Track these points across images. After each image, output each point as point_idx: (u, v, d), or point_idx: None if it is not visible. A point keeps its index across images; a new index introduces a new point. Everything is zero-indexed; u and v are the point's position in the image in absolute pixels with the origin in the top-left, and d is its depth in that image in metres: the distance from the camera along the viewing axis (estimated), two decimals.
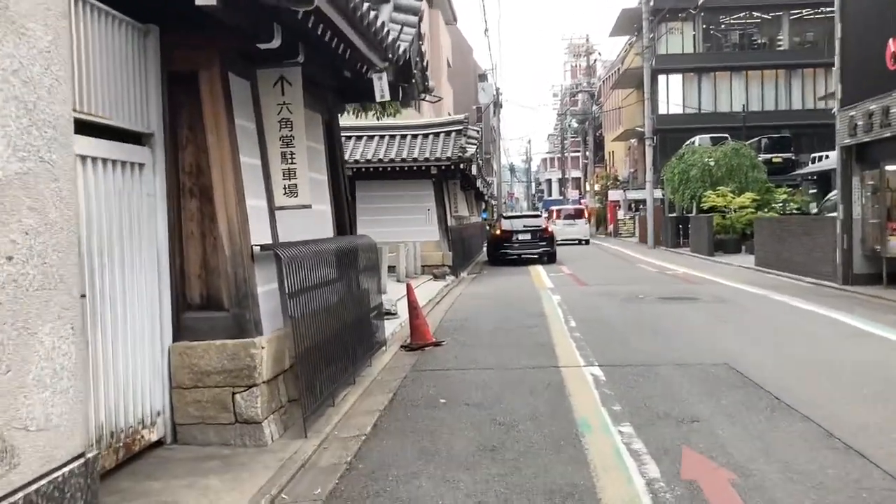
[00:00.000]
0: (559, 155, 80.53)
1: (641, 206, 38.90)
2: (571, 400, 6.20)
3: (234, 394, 4.91)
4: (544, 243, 23.33)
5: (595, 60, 68.10)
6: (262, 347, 5.01)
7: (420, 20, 7.92)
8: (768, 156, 33.08)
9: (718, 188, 26.39)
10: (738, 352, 7.98)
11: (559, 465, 4.58)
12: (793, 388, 6.37)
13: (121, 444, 4.34)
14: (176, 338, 4.95)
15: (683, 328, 9.80)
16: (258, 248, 5.24)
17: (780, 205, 25.39)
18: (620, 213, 48.43)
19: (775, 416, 5.56)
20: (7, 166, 2.53)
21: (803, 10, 42.04)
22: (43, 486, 2.64)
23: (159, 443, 4.83)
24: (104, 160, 4.24)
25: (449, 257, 19.07)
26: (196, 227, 5.08)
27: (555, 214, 38.83)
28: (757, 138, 35.09)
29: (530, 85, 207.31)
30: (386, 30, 6.30)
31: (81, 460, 2.89)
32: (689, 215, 29.46)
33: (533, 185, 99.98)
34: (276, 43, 4.85)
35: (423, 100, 9.74)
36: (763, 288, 14.56)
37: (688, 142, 33.86)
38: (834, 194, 16.61)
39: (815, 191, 29.76)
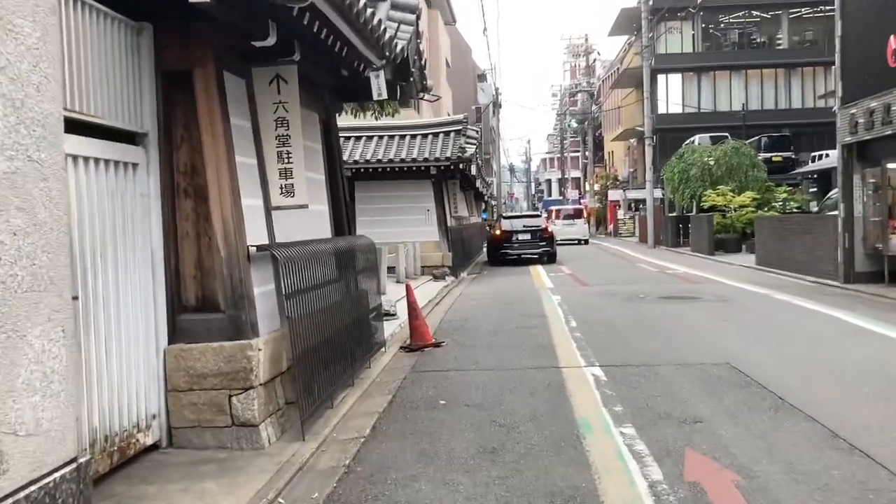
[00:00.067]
0: (559, 155, 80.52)
1: (641, 206, 38.88)
2: (572, 401, 6.14)
3: (230, 396, 4.86)
4: (544, 243, 23.28)
5: (594, 60, 68.06)
6: (259, 349, 4.96)
7: (418, 18, 7.87)
8: (768, 155, 33.05)
9: (718, 187, 26.35)
10: (739, 351, 7.93)
11: (560, 467, 4.52)
12: (795, 387, 6.31)
13: (115, 448, 4.28)
14: (171, 340, 4.90)
15: (684, 328, 9.75)
16: (254, 248, 5.18)
17: (781, 204, 25.33)
18: (620, 213, 48.42)
19: (778, 415, 5.51)
20: None
21: (802, 9, 42.06)
22: (34, 492, 2.60)
23: (154, 446, 4.78)
24: (97, 160, 4.19)
25: (448, 258, 19.02)
26: (191, 228, 5.02)
27: (554, 214, 38.84)
28: (757, 137, 35.06)
29: (529, 85, 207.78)
30: (383, 27, 6.24)
31: (73, 465, 2.84)
32: (689, 215, 29.43)
33: (532, 185, 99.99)
34: (271, 41, 4.79)
35: (422, 99, 9.69)
36: (764, 287, 14.50)
37: (687, 141, 33.88)
38: (834, 193, 16.57)
39: (815, 189, 29.78)
